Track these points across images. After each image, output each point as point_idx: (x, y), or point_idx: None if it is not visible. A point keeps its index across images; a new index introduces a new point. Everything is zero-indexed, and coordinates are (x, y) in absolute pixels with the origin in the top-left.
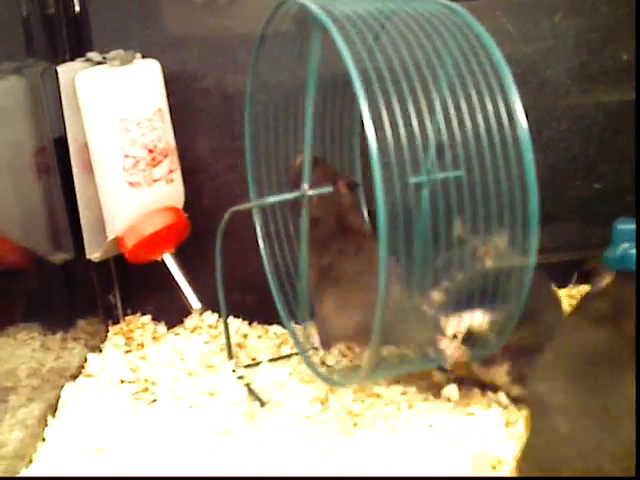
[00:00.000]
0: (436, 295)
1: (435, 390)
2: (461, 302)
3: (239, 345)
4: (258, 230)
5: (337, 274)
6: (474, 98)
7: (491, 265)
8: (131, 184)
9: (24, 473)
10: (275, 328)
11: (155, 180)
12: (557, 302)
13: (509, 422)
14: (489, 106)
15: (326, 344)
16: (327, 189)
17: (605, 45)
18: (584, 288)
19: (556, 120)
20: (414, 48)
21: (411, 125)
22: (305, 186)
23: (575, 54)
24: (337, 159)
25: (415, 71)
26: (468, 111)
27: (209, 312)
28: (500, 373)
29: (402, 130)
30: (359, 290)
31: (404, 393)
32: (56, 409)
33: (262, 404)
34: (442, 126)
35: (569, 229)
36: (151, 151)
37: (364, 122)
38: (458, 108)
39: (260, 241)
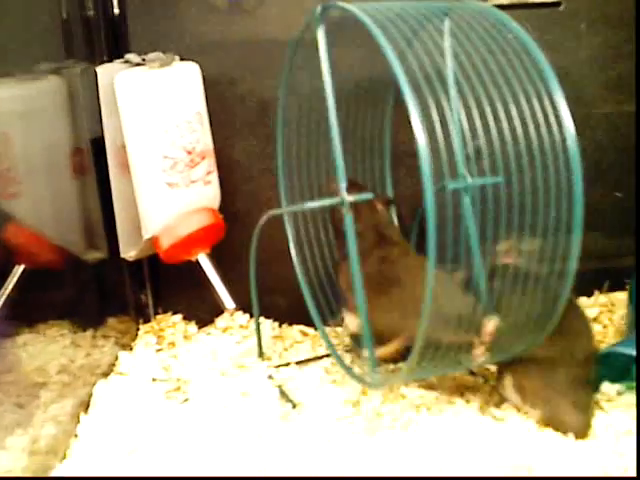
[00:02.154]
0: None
1: (465, 394)
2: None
3: (271, 346)
4: (289, 234)
5: (380, 280)
6: (520, 102)
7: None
8: (169, 185)
9: (58, 469)
10: (308, 329)
11: (193, 181)
12: (580, 315)
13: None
14: (535, 109)
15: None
16: (367, 196)
17: None
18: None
19: (590, 130)
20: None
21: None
22: (344, 192)
23: (612, 65)
24: (368, 165)
25: (460, 74)
26: (513, 115)
27: (240, 312)
28: (508, 387)
29: (446, 134)
30: (405, 292)
31: (436, 398)
32: (88, 406)
33: (294, 405)
34: (488, 130)
35: (594, 237)
36: (189, 153)
37: (413, 125)
38: (505, 112)
39: (291, 245)
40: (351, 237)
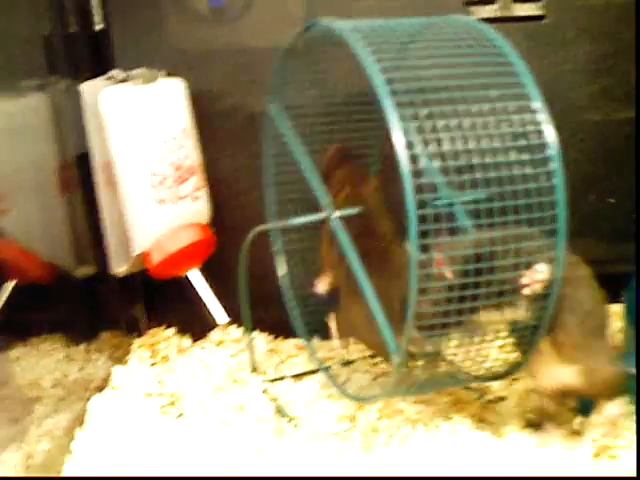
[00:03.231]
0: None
1: (462, 409)
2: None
3: (266, 359)
4: (276, 251)
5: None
6: (502, 115)
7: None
8: (158, 201)
9: None
10: (303, 343)
11: (181, 197)
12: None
13: (541, 443)
14: (517, 122)
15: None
16: (354, 211)
17: (628, 68)
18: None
19: (580, 141)
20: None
21: (439, 144)
22: (330, 209)
23: (597, 76)
24: None
25: (443, 87)
26: (494, 127)
27: (234, 326)
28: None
29: (431, 149)
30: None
31: (432, 413)
32: (83, 421)
33: (289, 420)
34: (470, 145)
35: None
36: (178, 169)
37: (394, 144)
38: (486, 126)
39: (278, 262)
40: (348, 248)
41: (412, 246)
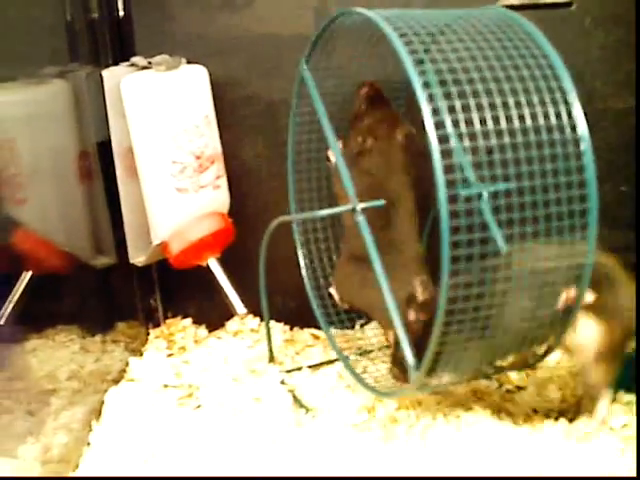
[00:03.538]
0: None
1: (481, 399)
2: None
3: (282, 350)
4: (297, 241)
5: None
6: (534, 104)
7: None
8: (178, 190)
9: None
10: (319, 332)
11: (202, 186)
12: None
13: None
14: (549, 110)
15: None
16: (379, 203)
17: None
18: None
19: (603, 130)
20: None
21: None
22: (355, 200)
23: (622, 63)
24: None
25: (477, 75)
26: (527, 116)
27: (251, 316)
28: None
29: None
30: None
31: (452, 404)
32: (100, 413)
33: (307, 411)
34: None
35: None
36: (198, 157)
37: (427, 132)
38: (518, 114)
39: (298, 248)
40: (369, 241)
41: (443, 232)
